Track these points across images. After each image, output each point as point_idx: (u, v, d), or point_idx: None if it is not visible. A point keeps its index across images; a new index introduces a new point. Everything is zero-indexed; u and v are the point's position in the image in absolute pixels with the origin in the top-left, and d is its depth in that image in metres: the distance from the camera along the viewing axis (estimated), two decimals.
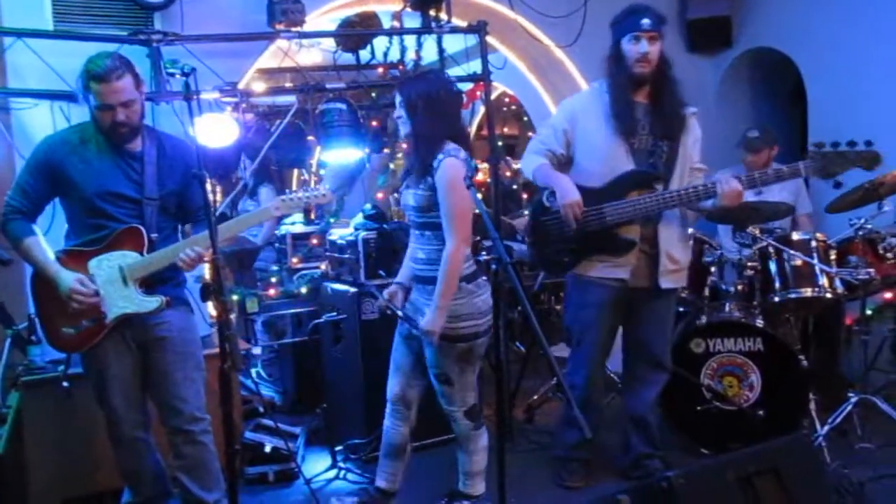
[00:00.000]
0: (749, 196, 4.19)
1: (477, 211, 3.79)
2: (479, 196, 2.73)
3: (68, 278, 2.70)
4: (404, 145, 3.20)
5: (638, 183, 3.26)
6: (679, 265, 3.39)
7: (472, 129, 7.76)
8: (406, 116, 2.95)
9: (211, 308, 3.91)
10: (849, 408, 3.68)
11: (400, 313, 3.04)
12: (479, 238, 4.38)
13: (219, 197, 5.13)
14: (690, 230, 3.97)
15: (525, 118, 8.48)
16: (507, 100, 8.76)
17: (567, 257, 3.38)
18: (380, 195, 5.44)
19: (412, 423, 3.14)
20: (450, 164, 2.84)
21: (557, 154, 3.39)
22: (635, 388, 3.55)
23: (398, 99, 2.98)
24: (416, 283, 3.04)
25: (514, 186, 8.25)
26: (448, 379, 2.99)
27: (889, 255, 3.82)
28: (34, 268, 2.77)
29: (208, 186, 2.49)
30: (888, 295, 4.06)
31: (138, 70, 2.76)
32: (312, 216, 4.97)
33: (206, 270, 3.55)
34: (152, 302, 2.75)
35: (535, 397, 4.56)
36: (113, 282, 2.73)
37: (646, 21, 3.22)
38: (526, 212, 4.27)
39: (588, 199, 3.24)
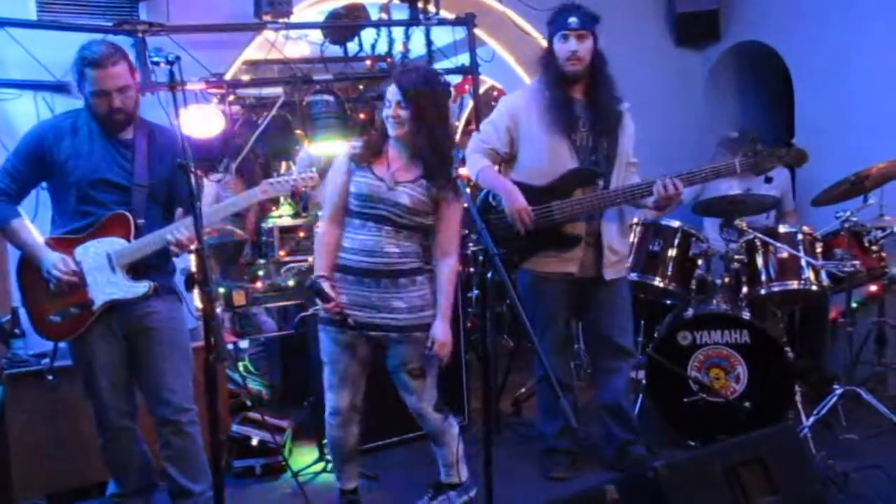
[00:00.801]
0: (737, 189, 4.25)
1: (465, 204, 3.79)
2: (468, 190, 2.74)
3: (51, 257, 2.69)
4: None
5: (582, 181, 3.32)
6: (620, 256, 3.48)
7: (461, 124, 7.76)
8: (408, 117, 2.82)
9: (197, 300, 3.91)
10: (834, 399, 3.70)
11: (352, 322, 2.87)
12: (466, 231, 4.38)
13: (206, 188, 5.11)
14: (677, 223, 4.02)
15: None
16: (495, 94, 8.74)
17: (515, 255, 3.41)
18: None
19: (360, 420, 3.08)
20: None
21: (501, 153, 3.42)
22: (603, 378, 3.60)
23: (396, 97, 2.84)
24: (372, 278, 2.88)
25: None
26: (422, 371, 2.97)
27: (874, 247, 3.86)
28: (20, 250, 2.76)
29: (193, 178, 2.47)
30: (873, 288, 4.10)
31: (131, 58, 2.75)
32: (299, 208, 4.95)
33: (191, 262, 3.56)
34: (140, 287, 2.73)
35: (523, 390, 4.56)
36: (100, 268, 2.71)
37: (573, 20, 3.27)
38: None
39: (534, 197, 3.30)
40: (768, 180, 3.32)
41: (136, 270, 2.76)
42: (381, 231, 2.87)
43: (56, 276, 2.67)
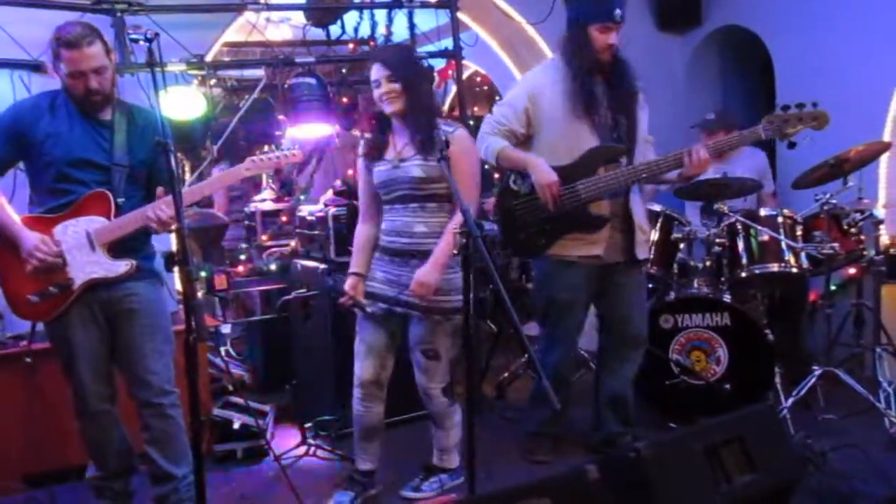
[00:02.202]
0: (711, 174, 4.27)
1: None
2: None
3: (31, 237, 2.66)
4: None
5: (606, 158, 3.28)
6: (647, 235, 3.48)
7: (444, 109, 7.74)
8: (401, 89, 2.90)
9: (178, 283, 3.89)
10: (812, 380, 3.74)
11: (368, 309, 3.03)
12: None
13: (187, 173, 5.07)
14: (659, 207, 4.04)
15: (497, 98, 8.46)
16: (478, 79, 8.73)
17: (543, 239, 3.36)
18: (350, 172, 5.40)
19: (384, 400, 3.14)
20: (464, 132, 3.00)
21: (518, 133, 3.36)
22: (615, 367, 3.54)
23: (384, 73, 2.91)
24: (402, 258, 2.98)
25: (486, 167, 8.23)
26: (437, 354, 3.02)
27: (853, 230, 3.89)
28: None
29: (173, 157, 2.44)
30: (852, 270, 4.14)
31: (107, 38, 2.71)
32: (283, 192, 4.93)
33: (172, 242, 3.53)
34: (121, 266, 2.71)
35: (506, 374, 4.58)
36: (80, 247, 2.68)
37: (619, 12, 3.21)
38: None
39: (559, 177, 3.25)
40: (791, 146, 3.25)
41: (116, 250, 2.73)
42: (408, 209, 2.98)
43: (38, 258, 2.64)
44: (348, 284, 3.09)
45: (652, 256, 3.97)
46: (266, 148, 5.11)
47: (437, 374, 3.07)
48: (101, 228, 2.69)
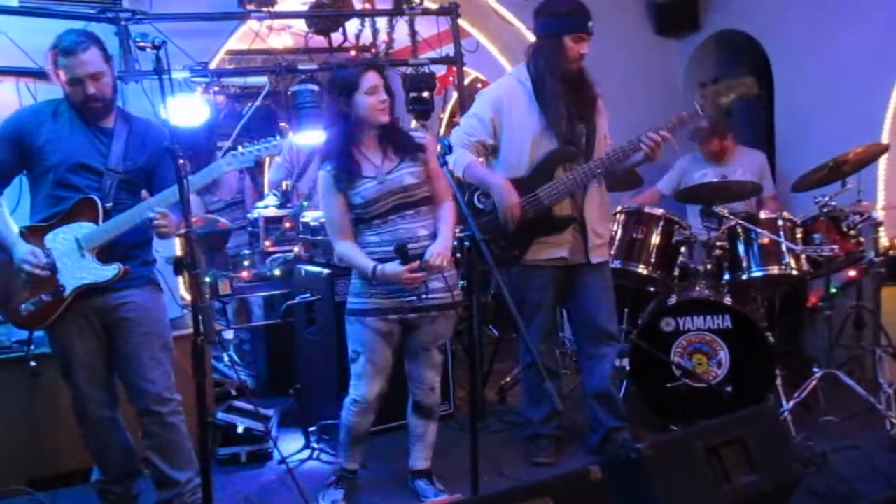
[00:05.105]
0: (711, 177, 4.31)
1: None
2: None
3: (22, 249, 2.68)
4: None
5: (562, 160, 3.37)
6: (603, 239, 3.54)
7: (445, 115, 7.77)
8: (389, 102, 2.99)
9: (183, 290, 3.91)
10: (813, 382, 3.75)
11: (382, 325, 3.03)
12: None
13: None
14: (660, 211, 4.06)
15: None
16: (479, 86, 8.76)
17: (516, 249, 3.44)
18: None
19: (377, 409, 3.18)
20: (431, 138, 3.09)
21: (487, 144, 3.45)
22: (590, 366, 3.61)
23: (381, 82, 2.97)
24: (408, 264, 2.96)
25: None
26: (446, 349, 3.12)
27: (852, 232, 3.91)
28: None
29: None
30: (852, 273, 4.15)
31: (106, 45, 2.74)
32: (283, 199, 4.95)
33: (176, 248, 3.56)
34: (109, 270, 2.71)
35: (508, 379, 4.61)
36: (69, 254, 2.70)
37: (591, 24, 3.34)
38: None
39: (519, 188, 3.34)
40: (727, 114, 3.35)
41: (111, 257, 2.74)
42: (405, 218, 3.00)
43: (27, 271, 2.66)
44: (393, 269, 2.91)
45: (653, 260, 4.00)
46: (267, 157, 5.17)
47: (440, 368, 3.16)
48: (90, 234, 2.71)
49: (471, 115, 3.52)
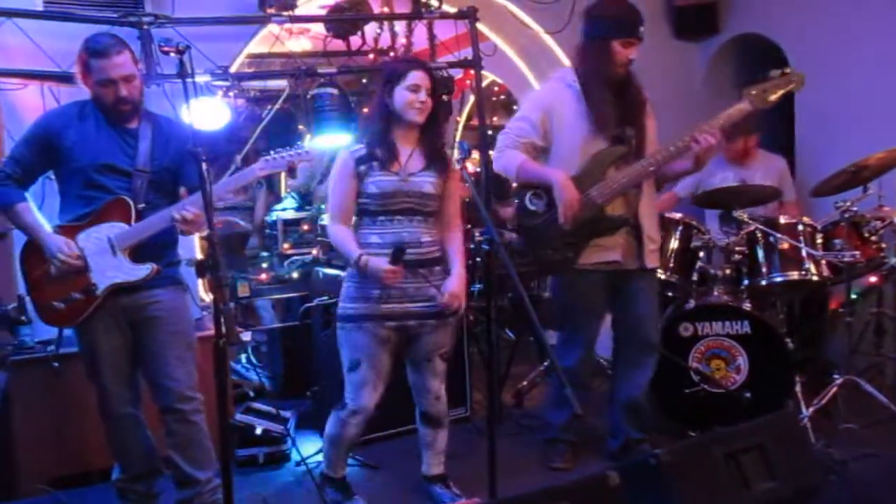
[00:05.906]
0: (731, 181, 4.27)
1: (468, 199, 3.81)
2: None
3: (55, 240, 2.72)
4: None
5: (613, 159, 3.31)
6: (656, 244, 3.49)
7: (462, 118, 7.79)
8: (431, 105, 2.97)
9: (202, 292, 3.94)
10: (833, 389, 3.72)
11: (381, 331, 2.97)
12: (470, 226, 4.40)
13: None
14: (678, 215, 4.05)
15: (515, 108, 8.49)
16: (496, 89, 8.77)
17: (570, 252, 3.35)
18: None
19: None
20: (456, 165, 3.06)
21: (538, 146, 3.39)
22: (629, 373, 3.55)
23: (427, 83, 2.94)
24: (409, 269, 2.92)
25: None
26: (449, 356, 3.09)
27: (873, 238, 3.88)
28: (24, 232, 2.78)
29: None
30: (873, 279, 4.12)
31: (134, 50, 2.80)
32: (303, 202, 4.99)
33: (196, 250, 3.59)
34: (143, 269, 2.75)
35: (525, 382, 4.60)
36: (101, 252, 2.73)
37: (642, 29, 3.28)
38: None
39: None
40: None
41: (139, 257, 2.78)
42: (413, 222, 2.97)
43: (60, 259, 2.70)
44: (377, 264, 2.86)
45: (671, 264, 3.98)
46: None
47: (444, 375, 3.13)
48: (122, 234, 2.74)
49: (518, 118, 3.48)
